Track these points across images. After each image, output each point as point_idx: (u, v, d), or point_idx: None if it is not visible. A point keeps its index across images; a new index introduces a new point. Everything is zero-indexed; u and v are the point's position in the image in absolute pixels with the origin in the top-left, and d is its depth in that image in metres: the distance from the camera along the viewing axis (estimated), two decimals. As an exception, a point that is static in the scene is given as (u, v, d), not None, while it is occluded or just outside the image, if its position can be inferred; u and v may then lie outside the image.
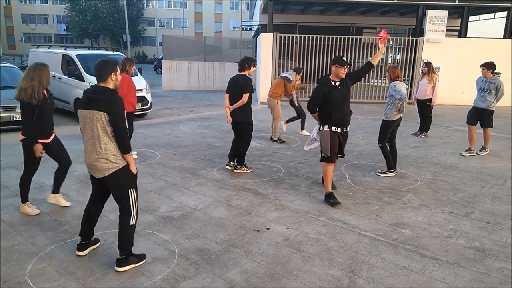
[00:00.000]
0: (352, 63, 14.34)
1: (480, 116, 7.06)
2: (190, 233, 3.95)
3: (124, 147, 3.13)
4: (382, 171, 5.96)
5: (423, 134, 8.85)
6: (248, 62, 5.78)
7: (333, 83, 4.69)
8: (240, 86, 5.73)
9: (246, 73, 5.79)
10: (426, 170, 6.28)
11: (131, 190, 3.23)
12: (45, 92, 4.16)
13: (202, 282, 3.11)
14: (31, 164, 4.27)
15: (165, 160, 6.54)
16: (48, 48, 12.99)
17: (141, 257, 3.37)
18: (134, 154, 6.70)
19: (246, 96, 5.70)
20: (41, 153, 4.17)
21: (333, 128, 4.74)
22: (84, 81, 10.01)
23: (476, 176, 6.01)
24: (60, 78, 10.84)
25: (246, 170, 6.00)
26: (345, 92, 4.72)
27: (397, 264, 3.45)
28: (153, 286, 3.04)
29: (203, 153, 7.06)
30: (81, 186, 5.21)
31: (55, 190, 4.51)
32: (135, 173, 3.26)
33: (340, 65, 4.62)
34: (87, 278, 3.12)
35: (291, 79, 7.94)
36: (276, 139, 8.07)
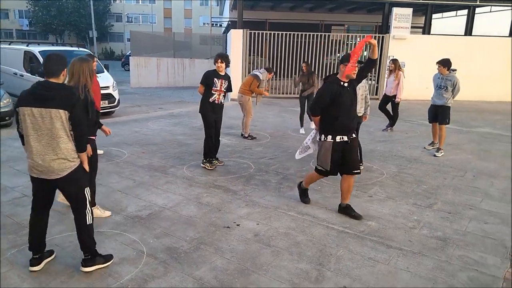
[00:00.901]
0: (321, 60, 14.59)
1: (437, 112, 7.09)
2: (159, 232, 3.90)
3: (83, 146, 3.07)
4: None
5: (389, 128, 9.09)
6: (215, 58, 5.87)
7: (342, 83, 4.16)
8: None
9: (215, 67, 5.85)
10: (392, 164, 6.46)
11: (86, 188, 3.15)
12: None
13: (171, 281, 3.08)
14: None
15: (133, 159, 6.43)
16: (9, 44, 12.47)
17: (108, 257, 3.30)
18: (100, 152, 6.54)
19: (199, 87, 5.98)
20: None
21: (338, 138, 4.16)
22: (48, 79, 9.67)
23: (438, 168, 6.23)
24: (23, 76, 10.44)
25: (208, 166, 6.00)
26: (353, 94, 4.24)
27: (364, 255, 3.53)
28: (121, 287, 2.99)
29: (172, 151, 6.99)
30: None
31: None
32: (88, 172, 3.20)
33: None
34: (52, 282, 3.04)
35: (260, 78, 7.96)
36: (246, 135, 8.09)
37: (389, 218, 4.33)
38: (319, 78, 8.90)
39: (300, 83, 8.86)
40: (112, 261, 3.30)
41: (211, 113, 5.91)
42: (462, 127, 9.37)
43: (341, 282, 3.12)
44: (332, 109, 4.13)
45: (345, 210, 4.40)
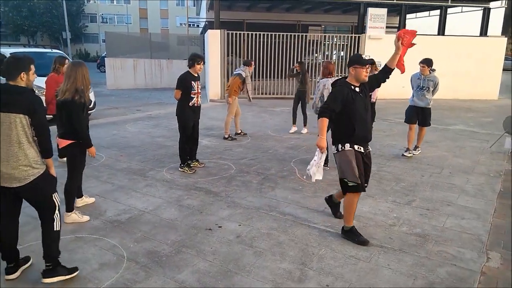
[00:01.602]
0: (301, 60, 14.67)
1: (419, 114, 6.81)
2: (139, 236, 3.84)
3: (48, 151, 2.95)
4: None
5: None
6: (189, 60, 5.77)
7: (353, 87, 3.71)
8: None
9: (191, 70, 5.74)
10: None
11: (55, 194, 3.03)
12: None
13: (153, 285, 3.04)
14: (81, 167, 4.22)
15: (111, 162, 6.31)
16: (-22, 46, 12.04)
17: (72, 270, 3.12)
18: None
19: (175, 92, 5.85)
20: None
21: (356, 147, 3.71)
22: (20, 81, 9.40)
23: (416, 166, 6.36)
24: (-7, 78, 10.10)
25: (187, 170, 5.91)
26: (366, 100, 3.78)
27: (346, 253, 3.57)
28: (101, 293, 2.93)
29: (151, 153, 6.90)
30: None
31: (79, 194, 4.53)
32: (55, 177, 3.08)
33: (360, 65, 3.68)
34: (28, 290, 2.95)
35: (243, 75, 8.00)
36: (226, 136, 8.08)
37: (369, 216, 4.39)
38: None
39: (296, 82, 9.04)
40: (76, 273, 3.12)
41: (191, 117, 5.85)
42: (437, 125, 9.58)
43: (324, 281, 3.13)
44: (346, 116, 3.67)
45: (349, 234, 3.82)
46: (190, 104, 5.76)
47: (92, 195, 4.88)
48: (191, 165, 6.01)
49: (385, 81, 3.97)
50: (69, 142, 4.00)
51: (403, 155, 6.89)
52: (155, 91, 18.07)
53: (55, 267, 3.05)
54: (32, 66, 2.96)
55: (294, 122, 8.95)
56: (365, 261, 3.45)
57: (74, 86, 3.80)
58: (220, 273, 3.22)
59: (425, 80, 6.64)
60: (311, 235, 3.92)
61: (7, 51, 10.26)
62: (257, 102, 13.76)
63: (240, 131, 8.42)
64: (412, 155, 6.86)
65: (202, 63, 5.79)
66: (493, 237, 3.95)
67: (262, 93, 14.85)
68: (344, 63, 15.00)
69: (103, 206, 4.55)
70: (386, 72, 3.93)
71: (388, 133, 8.91)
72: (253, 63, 8.29)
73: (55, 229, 3.03)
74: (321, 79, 6.18)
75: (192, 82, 5.69)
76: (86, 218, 4.18)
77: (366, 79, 3.73)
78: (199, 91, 5.83)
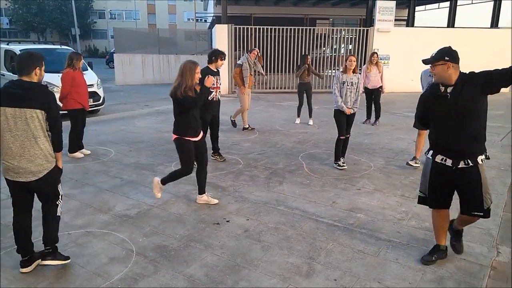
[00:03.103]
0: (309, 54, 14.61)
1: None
2: (148, 230, 3.87)
3: (60, 145, 3.05)
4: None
5: (376, 122, 9.13)
6: (211, 56, 5.87)
7: (442, 89, 3.05)
8: None
9: (211, 66, 5.83)
10: (379, 156, 6.52)
11: (60, 185, 3.18)
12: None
13: (162, 280, 3.06)
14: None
15: (120, 157, 6.36)
16: (-11, 43, 12.18)
17: (66, 258, 3.23)
18: (87, 151, 6.47)
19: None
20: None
21: (438, 158, 3.17)
22: (30, 78, 9.49)
23: (425, 159, 6.29)
24: (4, 75, 10.21)
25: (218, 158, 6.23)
26: (459, 103, 2.96)
27: (353, 248, 3.56)
28: (110, 287, 2.96)
29: (160, 148, 6.93)
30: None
31: (202, 190, 4.56)
32: (61, 168, 3.19)
33: (452, 60, 2.98)
34: (40, 284, 2.99)
35: (240, 63, 8.04)
36: (246, 126, 8.38)
37: (378, 210, 4.37)
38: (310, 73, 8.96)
39: (299, 76, 9.03)
40: (69, 261, 3.22)
41: (209, 111, 5.89)
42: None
43: (332, 275, 3.13)
44: (430, 124, 3.27)
45: (431, 250, 3.42)
46: (209, 98, 5.82)
47: (102, 190, 4.92)
48: (213, 158, 6.17)
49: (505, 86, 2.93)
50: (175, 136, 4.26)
51: (407, 163, 5.92)
52: (163, 87, 18.09)
53: (54, 251, 3.17)
54: (43, 62, 3.01)
55: (298, 115, 9.10)
56: (373, 255, 3.44)
57: (182, 83, 4.05)
58: (228, 267, 3.24)
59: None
60: (318, 229, 3.92)
61: (17, 48, 10.36)
62: (265, 96, 13.74)
63: (248, 126, 8.43)
64: (418, 165, 5.80)
65: (224, 58, 5.91)
66: (504, 231, 3.91)
67: (269, 88, 14.82)
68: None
69: (112, 201, 4.59)
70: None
71: (396, 127, 8.85)
72: (256, 50, 8.25)
73: (58, 213, 3.18)
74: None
75: (211, 77, 5.76)
76: (215, 201, 4.54)
77: (457, 77, 2.99)
78: (218, 86, 5.91)
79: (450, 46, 3.07)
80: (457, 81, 2.98)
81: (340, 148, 5.85)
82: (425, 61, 3.11)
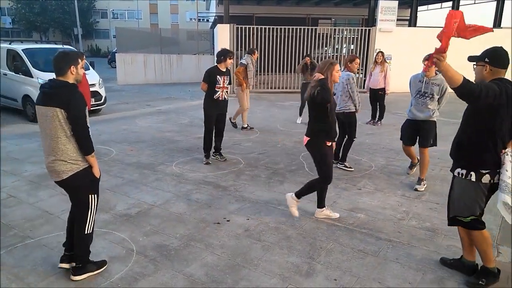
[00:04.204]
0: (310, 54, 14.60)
1: (419, 131, 5.04)
2: (148, 230, 3.88)
3: (86, 148, 2.88)
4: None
5: (379, 122, 9.12)
6: (220, 55, 5.95)
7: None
8: None
9: (220, 65, 5.90)
10: (380, 156, 6.51)
11: (92, 196, 2.99)
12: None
13: (162, 279, 3.07)
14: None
15: (121, 157, 6.37)
16: (-9, 42, 12.20)
17: (101, 264, 3.16)
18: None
19: (201, 84, 5.99)
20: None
21: (484, 179, 2.83)
22: (32, 77, 9.49)
23: (426, 160, 6.28)
24: (6, 75, 10.24)
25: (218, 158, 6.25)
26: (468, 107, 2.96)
27: (354, 248, 3.56)
28: (111, 286, 2.97)
29: (161, 148, 6.94)
30: (32, 187, 4.98)
31: (321, 204, 4.21)
32: (98, 177, 3.04)
33: (491, 63, 2.82)
34: (40, 283, 3.00)
35: (244, 63, 8.14)
36: (233, 120, 8.41)
37: (378, 210, 4.37)
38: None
39: (301, 74, 9.08)
40: (105, 267, 3.17)
41: (214, 110, 5.97)
42: (450, 118, 9.42)
43: (332, 275, 3.13)
44: (485, 129, 2.83)
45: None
46: (215, 97, 5.88)
47: (103, 189, 4.89)
48: (214, 158, 6.20)
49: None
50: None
51: (416, 189, 4.97)
52: (165, 86, 18.12)
53: (84, 265, 3.05)
54: (81, 60, 2.95)
55: (300, 114, 9.13)
56: (373, 255, 3.43)
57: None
58: (228, 267, 3.24)
59: (428, 84, 4.84)
60: (319, 229, 3.92)
61: (20, 47, 10.38)
62: (266, 96, 13.74)
63: (247, 125, 8.44)
64: (425, 185, 5.04)
65: (232, 58, 5.99)
66: (504, 231, 3.90)
67: (271, 87, 14.82)
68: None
69: (113, 200, 4.60)
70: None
71: (397, 127, 8.77)
72: (256, 51, 8.39)
73: (85, 232, 3.00)
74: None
75: (218, 76, 5.85)
76: (336, 215, 4.17)
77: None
78: (225, 85, 5.94)
79: (500, 47, 2.83)
80: None
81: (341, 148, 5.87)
82: (469, 58, 2.93)
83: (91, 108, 9.84)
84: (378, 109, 9.13)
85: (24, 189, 4.91)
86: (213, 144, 6.20)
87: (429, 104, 4.89)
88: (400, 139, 5.37)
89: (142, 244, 3.60)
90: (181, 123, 9.13)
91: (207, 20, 31.90)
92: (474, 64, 2.92)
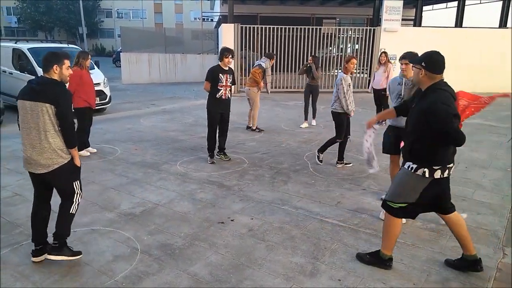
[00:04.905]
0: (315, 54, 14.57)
1: (401, 138, 4.38)
2: (152, 229, 3.89)
3: (71, 141, 3.10)
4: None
5: (383, 122, 9.07)
6: (219, 54, 6.01)
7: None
8: None
9: (222, 63, 5.90)
10: (384, 156, 6.46)
11: (75, 182, 3.22)
12: None
13: (166, 278, 3.08)
14: None
15: (125, 156, 6.39)
16: (-3, 41, 12.27)
17: (76, 253, 3.28)
18: (93, 150, 6.50)
19: (204, 84, 6.02)
20: None
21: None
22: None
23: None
24: (12, 73, 10.30)
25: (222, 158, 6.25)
26: (413, 111, 3.14)
27: (358, 248, 3.55)
28: (115, 285, 2.98)
29: (165, 147, 6.96)
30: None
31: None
32: (79, 166, 3.23)
33: (427, 68, 2.91)
34: (45, 281, 3.01)
35: (263, 66, 8.18)
36: (254, 128, 8.30)
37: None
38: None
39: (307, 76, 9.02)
40: (79, 257, 3.27)
41: (217, 109, 5.97)
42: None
43: (336, 275, 3.13)
44: None
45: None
46: (217, 96, 5.88)
47: (107, 188, 4.95)
48: (218, 157, 6.21)
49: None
50: None
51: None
52: (169, 86, 18.16)
53: (61, 246, 3.20)
54: (66, 61, 3.14)
55: (306, 118, 8.93)
56: (377, 256, 3.42)
57: None
58: (232, 266, 3.24)
59: (407, 86, 4.28)
60: (323, 229, 3.91)
61: (25, 46, 10.44)
62: (271, 96, 13.70)
63: (251, 125, 8.43)
64: None
65: (230, 56, 5.90)
66: (510, 233, 3.88)
67: (275, 87, 14.80)
68: (359, 56, 14.82)
69: (117, 199, 4.62)
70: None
71: (403, 127, 8.78)
72: (274, 57, 8.43)
73: (71, 211, 3.21)
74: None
75: (220, 74, 5.84)
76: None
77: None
78: (228, 84, 5.94)
79: (436, 52, 2.96)
80: (426, 90, 2.94)
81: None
82: (410, 60, 3.15)
83: (96, 107, 9.91)
84: (382, 109, 9.09)
85: (29, 187, 4.86)
86: (217, 144, 6.20)
87: None
88: (384, 151, 4.78)
89: (146, 243, 3.60)
90: (186, 123, 9.14)
91: (212, 20, 31.95)
92: (412, 66, 3.04)
